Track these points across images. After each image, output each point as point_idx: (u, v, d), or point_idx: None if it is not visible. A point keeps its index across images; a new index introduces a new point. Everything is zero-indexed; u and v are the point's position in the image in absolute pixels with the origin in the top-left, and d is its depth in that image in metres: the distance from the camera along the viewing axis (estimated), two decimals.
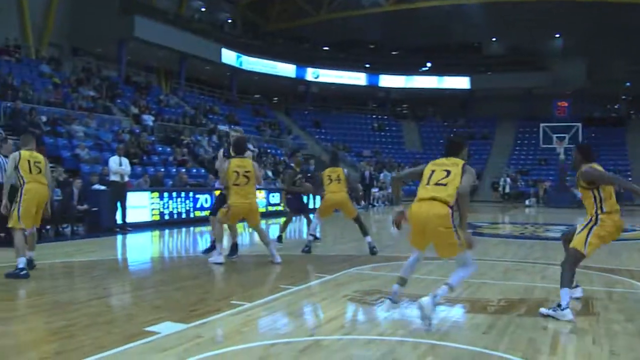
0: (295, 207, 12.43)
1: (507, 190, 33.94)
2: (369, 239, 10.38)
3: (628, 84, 44.79)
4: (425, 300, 5.05)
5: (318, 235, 11.86)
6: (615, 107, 47.82)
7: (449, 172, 5.32)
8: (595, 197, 5.75)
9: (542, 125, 33.05)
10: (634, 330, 5.27)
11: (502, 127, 43.84)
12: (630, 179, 35.04)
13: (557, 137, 32.19)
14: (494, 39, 45.70)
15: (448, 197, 5.19)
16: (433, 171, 5.41)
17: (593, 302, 6.42)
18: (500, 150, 41.33)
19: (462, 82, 45.46)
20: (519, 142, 41.82)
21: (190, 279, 7.80)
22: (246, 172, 8.74)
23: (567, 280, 5.71)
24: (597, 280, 7.77)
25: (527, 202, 31.44)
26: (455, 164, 5.39)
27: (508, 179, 34.41)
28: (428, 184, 5.36)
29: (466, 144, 5.89)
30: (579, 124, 32.44)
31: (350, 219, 10.64)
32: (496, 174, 36.80)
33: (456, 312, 6.04)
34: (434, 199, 5.23)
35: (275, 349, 4.60)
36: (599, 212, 5.72)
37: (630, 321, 5.58)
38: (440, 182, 5.29)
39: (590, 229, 5.71)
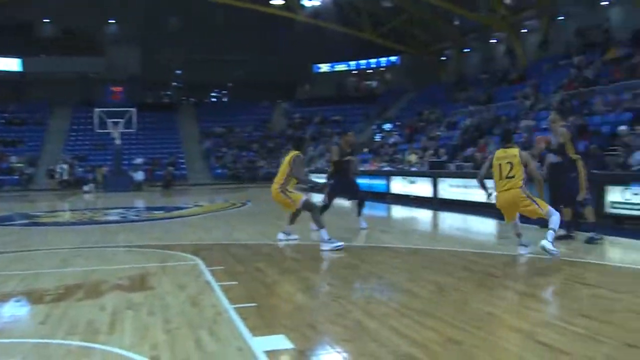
0: None
1: (65, 177, 33.08)
2: None
3: (179, 71, 47.85)
4: (544, 242, 7.16)
5: None
6: (167, 93, 50.68)
7: (512, 165, 7.31)
8: None
9: (96, 110, 33.02)
10: (185, 298, 5.79)
11: (57, 112, 42.17)
12: (182, 161, 37.72)
13: (112, 122, 32.42)
14: (47, 20, 43.77)
15: (518, 183, 7.30)
16: (500, 165, 7.41)
17: (148, 277, 6.81)
18: (56, 136, 39.80)
19: (12, 64, 42.22)
20: (74, 127, 40.83)
21: None
22: None
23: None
24: (153, 256, 8.28)
25: (85, 187, 30.99)
26: (513, 155, 7.39)
27: (65, 166, 33.52)
28: (501, 178, 7.41)
29: (512, 133, 8.99)
30: (134, 109, 33.30)
31: None
32: (52, 160, 35.42)
33: (10, 307, 5.76)
34: (509, 189, 7.32)
35: None
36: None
37: (181, 291, 6.11)
38: (508, 175, 7.35)
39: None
